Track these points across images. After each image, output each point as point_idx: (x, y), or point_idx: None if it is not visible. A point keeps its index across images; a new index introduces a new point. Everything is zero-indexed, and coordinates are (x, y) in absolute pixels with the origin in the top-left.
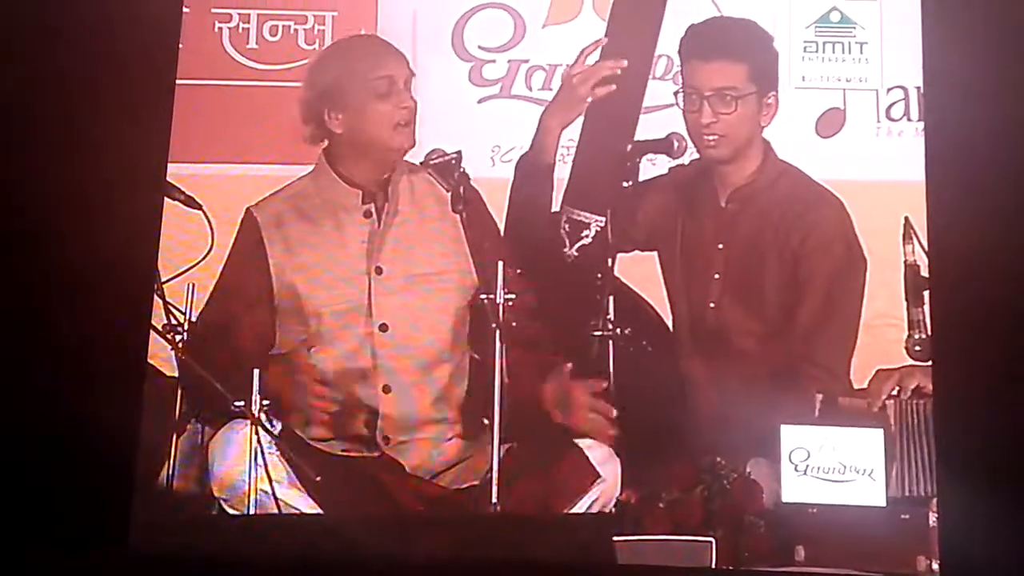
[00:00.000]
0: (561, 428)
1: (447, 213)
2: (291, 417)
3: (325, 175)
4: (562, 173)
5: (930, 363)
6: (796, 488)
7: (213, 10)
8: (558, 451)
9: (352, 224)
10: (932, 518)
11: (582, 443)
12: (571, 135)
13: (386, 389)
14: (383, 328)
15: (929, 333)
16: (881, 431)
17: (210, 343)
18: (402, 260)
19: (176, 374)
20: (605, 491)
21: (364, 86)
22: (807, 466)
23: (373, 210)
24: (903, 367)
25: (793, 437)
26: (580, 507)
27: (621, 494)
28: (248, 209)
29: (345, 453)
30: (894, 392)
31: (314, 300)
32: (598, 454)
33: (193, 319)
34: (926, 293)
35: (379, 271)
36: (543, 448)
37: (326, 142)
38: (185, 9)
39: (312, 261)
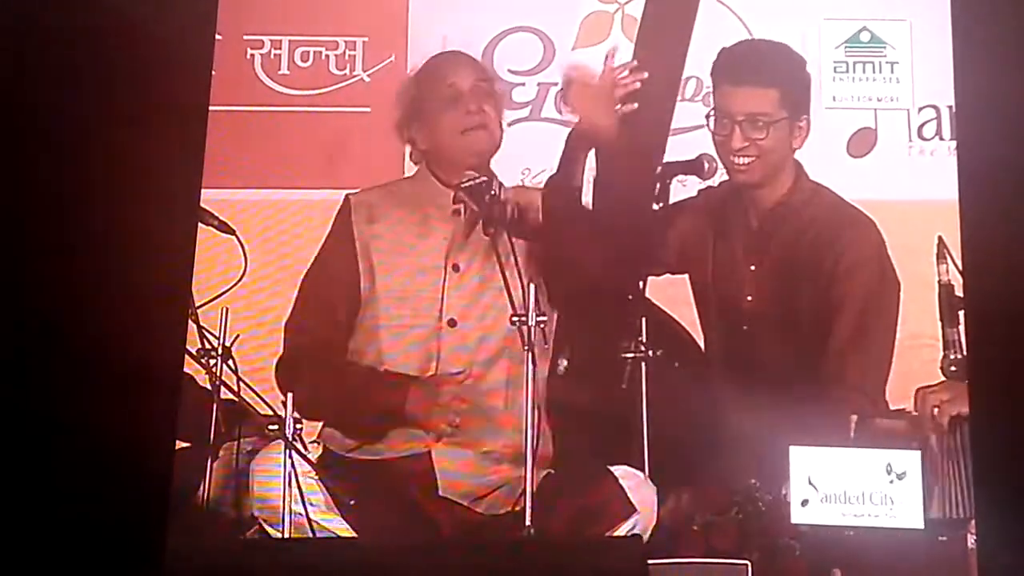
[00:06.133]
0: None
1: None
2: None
3: (424, 177)
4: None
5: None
6: (832, 510)
7: (245, 37)
8: (595, 480)
9: (438, 219)
10: (971, 540)
11: (617, 471)
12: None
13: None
14: (451, 323)
15: (964, 353)
16: (919, 452)
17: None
18: (479, 262)
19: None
20: (639, 522)
21: (432, 99)
22: (843, 488)
23: (463, 211)
24: (940, 383)
25: (828, 459)
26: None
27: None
28: (346, 196)
29: (389, 456)
30: (935, 411)
31: (388, 282)
32: (633, 483)
33: (227, 343)
34: (961, 313)
35: (456, 268)
36: (580, 475)
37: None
38: (218, 36)
39: (391, 238)
